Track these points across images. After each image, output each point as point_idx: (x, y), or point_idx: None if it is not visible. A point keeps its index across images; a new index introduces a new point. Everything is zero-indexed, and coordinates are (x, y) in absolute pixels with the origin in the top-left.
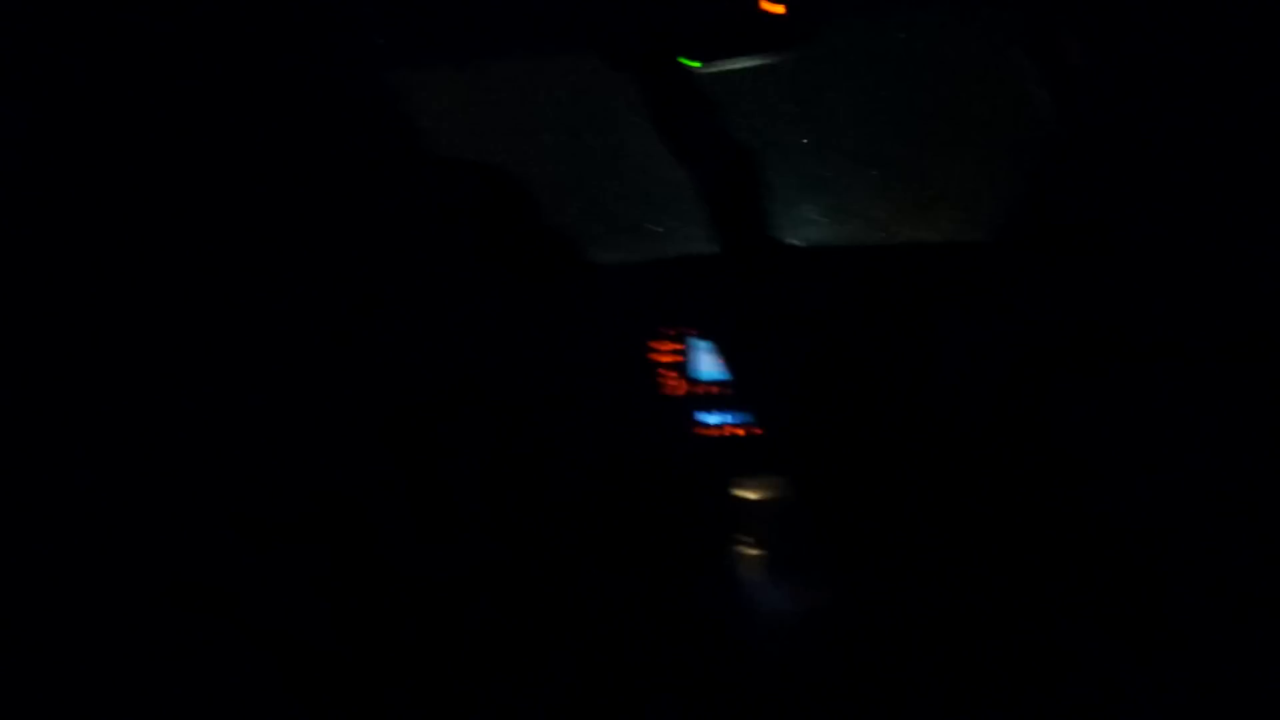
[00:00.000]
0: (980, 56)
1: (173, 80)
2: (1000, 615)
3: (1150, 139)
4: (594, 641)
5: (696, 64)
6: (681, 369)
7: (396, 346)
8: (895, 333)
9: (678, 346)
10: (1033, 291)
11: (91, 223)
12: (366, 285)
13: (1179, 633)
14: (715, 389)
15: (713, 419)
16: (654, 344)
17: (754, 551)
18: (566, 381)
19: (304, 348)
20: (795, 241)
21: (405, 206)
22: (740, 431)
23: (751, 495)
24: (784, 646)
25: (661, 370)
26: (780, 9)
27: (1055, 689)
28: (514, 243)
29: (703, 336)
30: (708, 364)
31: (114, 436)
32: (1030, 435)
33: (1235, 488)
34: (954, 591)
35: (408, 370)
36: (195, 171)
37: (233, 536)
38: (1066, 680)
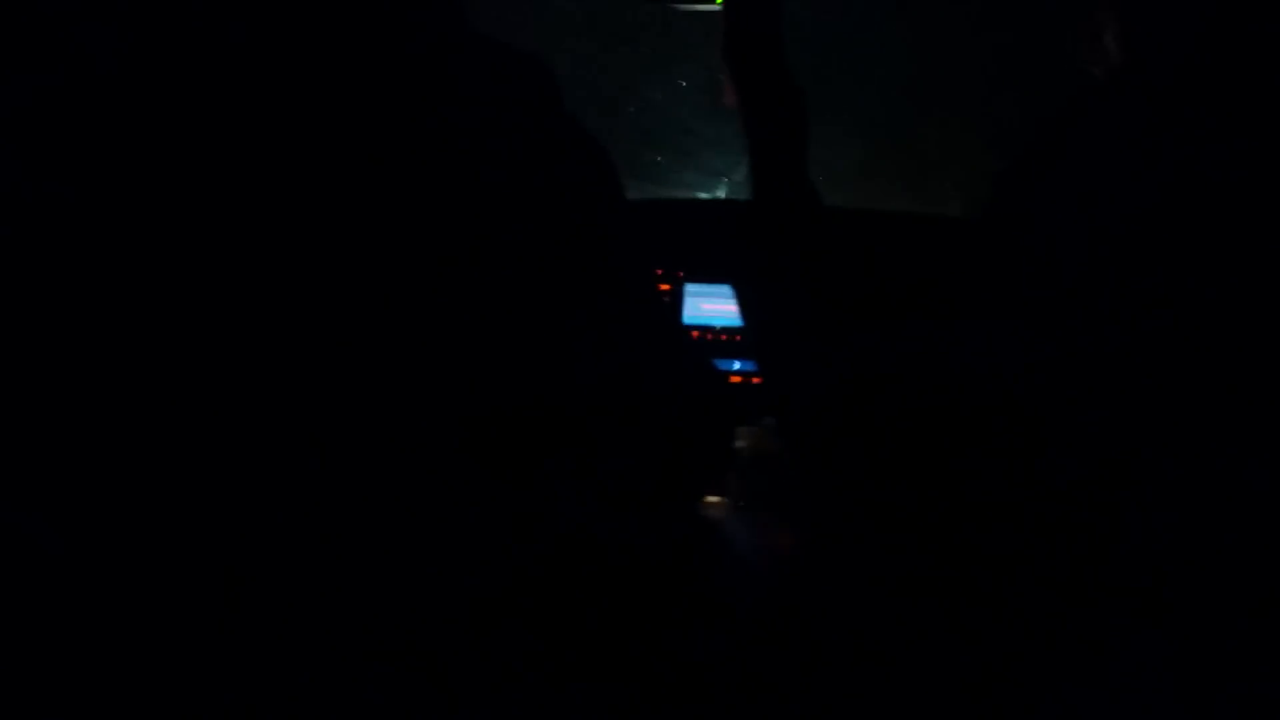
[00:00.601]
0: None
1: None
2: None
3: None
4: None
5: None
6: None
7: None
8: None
9: (666, 288)
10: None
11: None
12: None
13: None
14: (706, 334)
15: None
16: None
17: (738, 501)
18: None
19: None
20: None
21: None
22: (737, 379)
23: (742, 444)
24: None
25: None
26: None
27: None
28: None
29: (696, 279)
30: (698, 308)
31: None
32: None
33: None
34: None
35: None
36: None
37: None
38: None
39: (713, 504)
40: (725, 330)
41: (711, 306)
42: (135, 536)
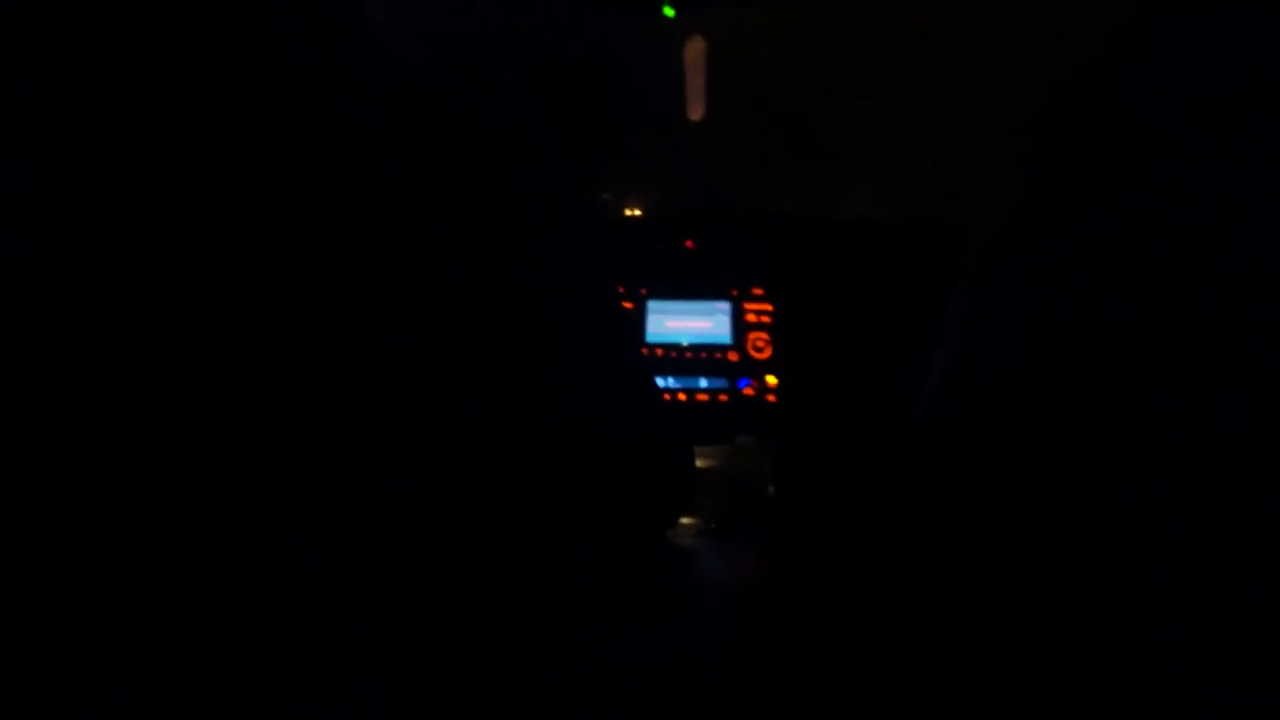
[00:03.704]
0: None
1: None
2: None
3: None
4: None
5: (670, 12)
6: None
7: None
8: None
9: (629, 306)
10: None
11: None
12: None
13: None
14: (671, 352)
15: (664, 383)
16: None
17: (709, 523)
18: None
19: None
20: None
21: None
22: (703, 397)
23: (712, 464)
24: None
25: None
26: None
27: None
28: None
29: (659, 296)
30: (661, 326)
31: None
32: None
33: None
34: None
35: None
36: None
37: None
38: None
39: (682, 525)
40: (690, 348)
41: (676, 324)
42: None
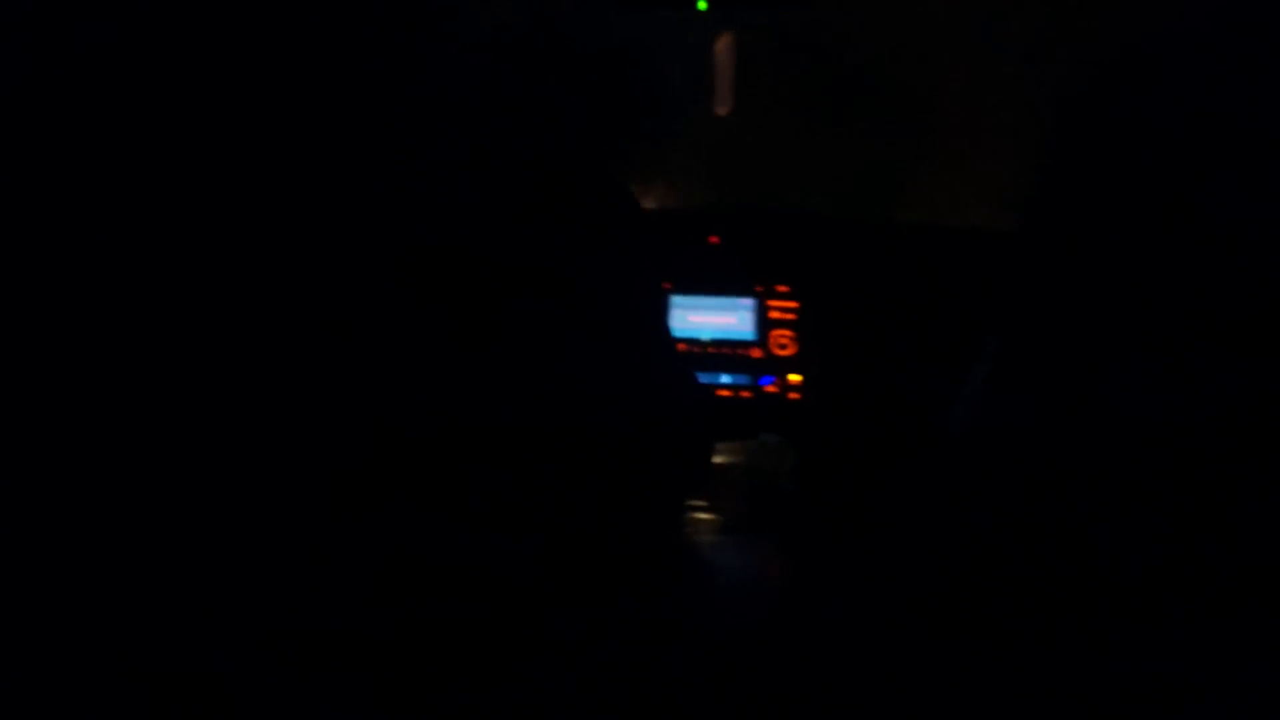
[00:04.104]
0: None
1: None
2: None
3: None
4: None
5: (704, 5)
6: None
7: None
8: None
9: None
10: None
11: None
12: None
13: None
14: (694, 347)
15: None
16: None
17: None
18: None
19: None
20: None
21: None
22: (725, 393)
23: (732, 461)
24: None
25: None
26: None
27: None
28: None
29: (683, 291)
30: (685, 321)
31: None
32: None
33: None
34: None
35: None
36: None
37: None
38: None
39: (700, 522)
40: (713, 343)
41: (699, 319)
42: None
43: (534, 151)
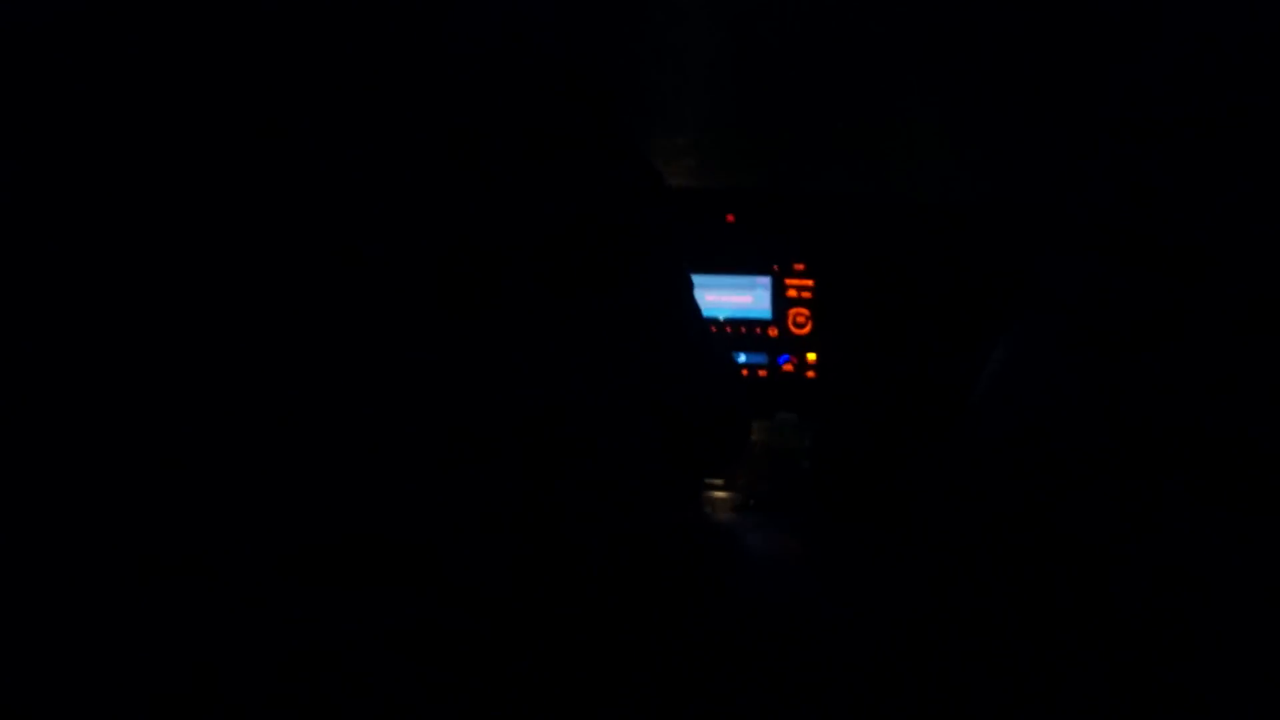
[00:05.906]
0: None
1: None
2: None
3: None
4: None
5: None
6: None
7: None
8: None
9: None
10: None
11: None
12: None
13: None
14: (710, 327)
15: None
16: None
17: (748, 498)
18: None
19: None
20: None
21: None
22: (742, 372)
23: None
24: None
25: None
26: None
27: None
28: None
29: (699, 270)
30: (701, 300)
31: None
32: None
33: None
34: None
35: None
36: None
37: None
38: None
39: (721, 500)
40: (729, 322)
41: (715, 298)
42: None
43: (569, 130)
